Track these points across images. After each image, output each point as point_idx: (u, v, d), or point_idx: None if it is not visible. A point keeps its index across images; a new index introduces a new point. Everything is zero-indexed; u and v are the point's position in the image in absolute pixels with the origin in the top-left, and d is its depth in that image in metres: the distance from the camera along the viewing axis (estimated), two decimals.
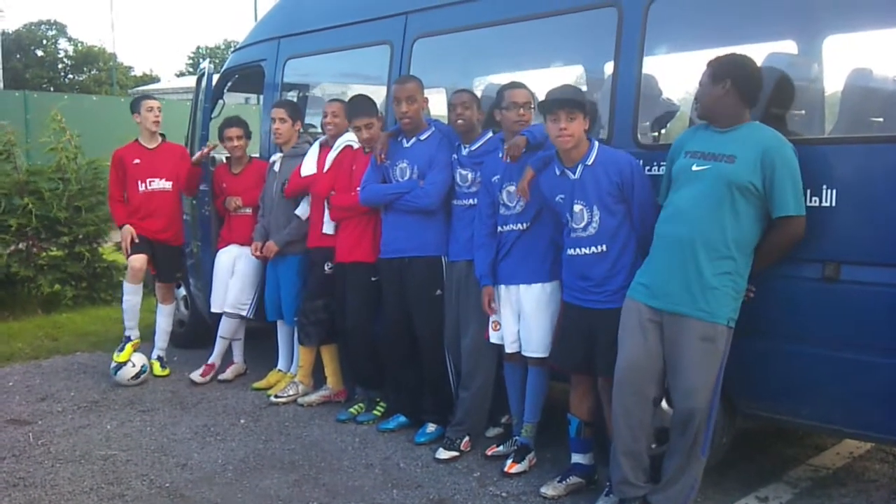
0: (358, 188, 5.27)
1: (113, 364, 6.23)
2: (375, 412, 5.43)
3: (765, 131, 3.72)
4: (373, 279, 5.27)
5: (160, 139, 6.61)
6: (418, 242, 5.01)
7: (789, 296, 3.84)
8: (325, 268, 5.56)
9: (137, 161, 6.43)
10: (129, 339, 6.34)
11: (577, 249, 4.15)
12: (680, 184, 3.82)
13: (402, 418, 5.24)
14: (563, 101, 4.03)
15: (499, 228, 4.60)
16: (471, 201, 4.84)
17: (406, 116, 4.97)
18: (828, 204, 3.72)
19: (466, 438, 4.91)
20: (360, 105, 5.23)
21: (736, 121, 3.74)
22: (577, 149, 4.10)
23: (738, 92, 3.70)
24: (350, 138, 5.56)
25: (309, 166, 5.71)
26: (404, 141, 5.11)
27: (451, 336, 4.97)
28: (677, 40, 4.73)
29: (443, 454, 4.80)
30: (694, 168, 3.75)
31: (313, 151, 5.79)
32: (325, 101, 6.03)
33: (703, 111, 3.83)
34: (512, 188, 4.48)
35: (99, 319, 8.49)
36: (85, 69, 42.68)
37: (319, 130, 6.33)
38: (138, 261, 6.32)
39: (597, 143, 4.18)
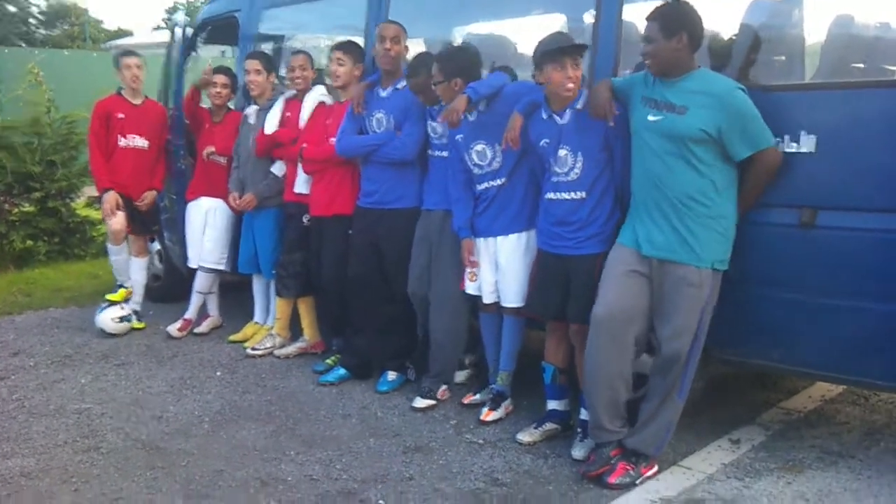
0: (332, 139, 5.21)
1: (103, 304, 6.25)
2: (329, 361, 5.43)
3: (714, 78, 3.73)
4: (350, 231, 5.22)
5: (144, 96, 6.53)
6: (398, 194, 4.99)
7: (765, 242, 3.85)
8: (304, 220, 5.51)
9: (122, 115, 6.34)
10: (121, 285, 6.39)
11: (557, 194, 4.13)
12: (640, 136, 3.82)
13: (342, 371, 5.24)
14: (569, 49, 4.00)
15: (476, 186, 4.56)
16: (445, 153, 4.79)
17: (388, 54, 4.92)
18: (807, 150, 3.71)
19: (444, 387, 4.92)
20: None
21: (687, 70, 3.72)
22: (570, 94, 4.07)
23: (691, 42, 3.68)
24: (321, 93, 5.51)
25: (272, 123, 5.68)
26: (380, 91, 5.05)
27: (419, 283, 4.92)
28: None
29: (420, 403, 4.80)
30: (650, 118, 3.76)
31: (277, 107, 5.74)
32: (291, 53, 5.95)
33: (660, 67, 3.75)
34: (481, 146, 4.44)
35: (72, 275, 8.41)
36: (57, 24, 41.90)
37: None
38: (118, 223, 6.27)
39: (585, 89, 4.13)
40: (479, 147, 4.45)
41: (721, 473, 3.97)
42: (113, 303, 6.29)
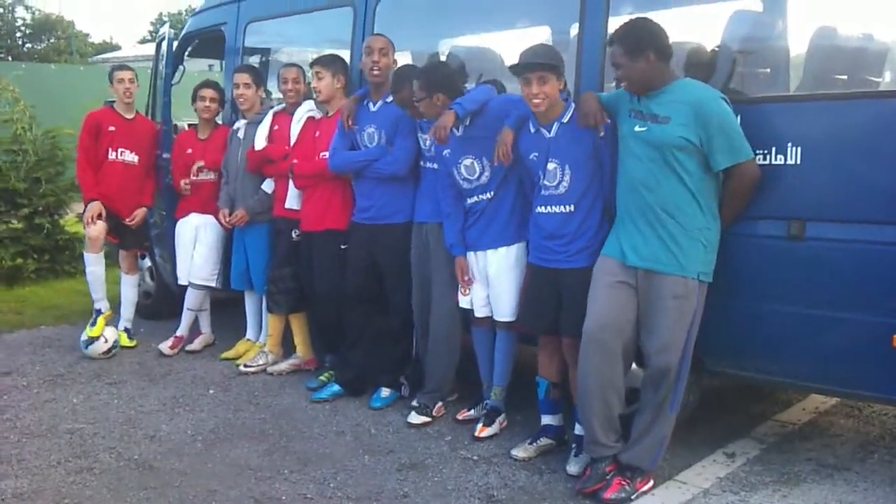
0: (322, 154, 5.22)
1: (84, 338, 6.14)
2: (322, 378, 5.43)
3: (695, 87, 3.75)
4: (342, 247, 5.22)
5: (136, 111, 6.52)
6: (393, 209, 4.99)
7: (755, 254, 3.87)
8: (293, 235, 5.51)
9: (113, 128, 6.31)
10: (99, 311, 6.23)
11: (547, 207, 4.14)
12: (626, 146, 3.85)
13: (336, 387, 5.25)
14: (533, 65, 3.98)
15: (465, 201, 4.57)
16: (436, 165, 4.78)
17: (377, 67, 4.92)
18: (793, 162, 3.73)
19: (440, 404, 4.93)
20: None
21: (665, 82, 3.74)
22: (553, 109, 4.07)
23: (660, 57, 3.71)
24: (310, 108, 5.51)
25: (262, 138, 5.67)
26: (371, 105, 5.05)
27: (418, 297, 4.94)
28: (641, 0, 4.68)
29: (415, 419, 4.81)
30: (636, 129, 3.79)
31: (266, 122, 5.72)
32: (282, 66, 5.93)
33: (636, 87, 3.78)
34: (469, 161, 4.44)
35: (63, 292, 8.38)
36: (43, 38, 41.85)
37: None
38: (96, 230, 6.19)
39: (573, 103, 4.15)
40: (467, 162, 4.46)
41: (717, 487, 3.98)
42: (95, 338, 6.15)
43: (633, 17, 3.86)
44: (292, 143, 5.51)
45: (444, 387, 4.97)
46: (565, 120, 4.10)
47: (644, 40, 3.69)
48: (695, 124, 3.63)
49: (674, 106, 3.69)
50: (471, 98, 4.41)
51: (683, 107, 3.66)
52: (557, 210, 4.11)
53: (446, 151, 4.53)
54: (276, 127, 5.69)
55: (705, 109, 3.64)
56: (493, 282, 4.49)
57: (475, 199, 4.52)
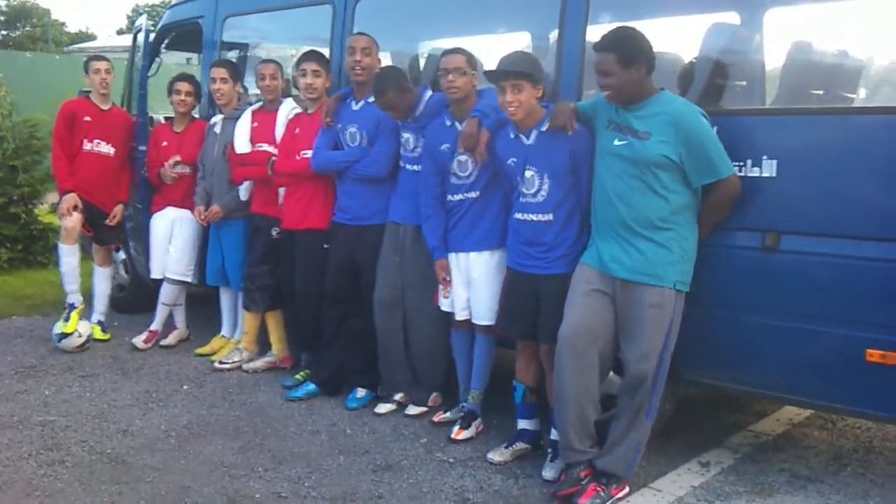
0: (303, 152, 5.22)
1: (57, 331, 6.09)
2: (298, 377, 5.44)
3: (675, 103, 3.76)
4: (325, 246, 5.22)
5: (112, 103, 6.48)
6: (374, 209, 4.99)
7: (730, 265, 3.90)
8: (273, 233, 5.50)
9: (89, 119, 6.26)
10: (73, 306, 6.16)
11: (525, 215, 4.16)
12: (604, 159, 3.85)
13: (311, 386, 5.26)
14: (507, 73, 3.99)
15: (448, 197, 4.58)
16: (416, 167, 4.78)
17: (360, 66, 4.89)
18: (768, 174, 3.77)
19: (435, 394, 4.99)
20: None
21: (648, 94, 3.75)
22: (531, 116, 4.07)
23: (647, 70, 3.72)
24: (294, 107, 5.51)
25: (242, 142, 5.62)
26: (353, 104, 5.05)
27: (392, 298, 4.92)
28: (621, 9, 4.71)
29: (413, 410, 4.90)
30: (616, 143, 3.78)
31: (245, 121, 5.69)
32: (259, 62, 5.90)
33: (622, 98, 3.75)
34: (464, 157, 4.44)
35: (35, 282, 8.32)
36: (17, 25, 41.20)
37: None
38: (72, 220, 6.15)
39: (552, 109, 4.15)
40: (462, 157, 4.46)
41: (691, 496, 4.01)
42: (68, 334, 6.09)
43: (620, 25, 3.82)
44: (277, 141, 5.49)
45: (435, 381, 5.00)
46: (544, 128, 4.10)
47: (639, 50, 3.68)
48: (675, 141, 3.64)
49: (654, 121, 3.69)
50: (486, 104, 4.37)
51: (664, 123, 3.67)
52: (535, 218, 4.12)
53: (445, 146, 4.49)
54: (255, 124, 5.66)
55: (686, 126, 3.65)
56: (476, 284, 4.50)
57: (460, 196, 4.52)
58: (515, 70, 3.98)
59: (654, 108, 3.73)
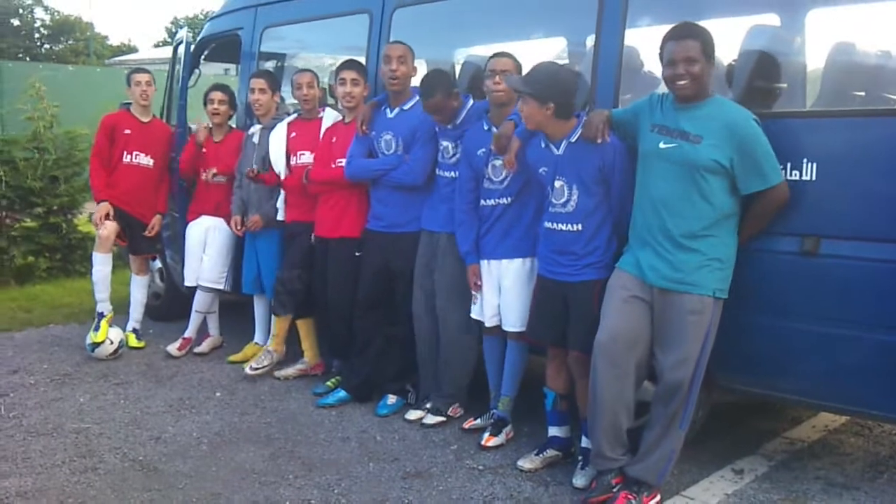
0: (338, 160, 5.21)
1: (89, 342, 6.13)
2: (329, 384, 5.42)
3: (730, 108, 3.69)
4: (357, 254, 5.21)
5: (152, 115, 6.54)
6: (409, 217, 4.98)
7: (768, 270, 3.84)
8: (311, 238, 5.48)
9: (129, 131, 6.33)
10: (101, 315, 6.18)
11: (555, 224, 4.12)
12: (649, 163, 3.78)
13: (342, 393, 5.24)
14: (518, 88, 4.05)
15: (482, 202, 4.56)
16: (452, 174, 4.76)
17: (395, 76, 4.88)
18: (808, 178, 3.70)
19: (455, 405, 4.95)
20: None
21: (706, 95, 3.69)
22: (556, 127, 4.04)
23: (712, 67, 3.66)
24: (335, 117, 5.51)
25: (278, 153, 5.66)
26: (388, 111, 5.04)
27: (422, 306, 4.92)
28: (660, 13, 4.67)
29: (430, 419, 4.86)
30: (661, 146, 3.72)
31: (279, 135, 5.70)
32: (295, 72, 5.91)
33: (694, 90, 3.63)
34: (499, 162, 4.42)
35: (73, 291, 8.40)
36: (61, 39, 42.17)
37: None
38: (107, 229, 6.20)
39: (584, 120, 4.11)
40: (497, 162, 4.44)
41: None
42: (100, 343, 6.11)
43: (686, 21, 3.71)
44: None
45: (460, 392, 4.98)
46: (573, 139, 4.07)
47: (713, 44, 3.61)
48: (728, 146, 3.57)
49: (706, 124, 3.62)
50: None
51: (717, 127, 3.60)
52: (564, 228, 4.09)
53: (481, 150, 4.50)
54: (293, 134, 5.67)
55: (740, 131, 3.58)
56: (507, 292, 4.48)
57: (493, 201, 4.50)
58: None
59: (707, 109, 3.66)
